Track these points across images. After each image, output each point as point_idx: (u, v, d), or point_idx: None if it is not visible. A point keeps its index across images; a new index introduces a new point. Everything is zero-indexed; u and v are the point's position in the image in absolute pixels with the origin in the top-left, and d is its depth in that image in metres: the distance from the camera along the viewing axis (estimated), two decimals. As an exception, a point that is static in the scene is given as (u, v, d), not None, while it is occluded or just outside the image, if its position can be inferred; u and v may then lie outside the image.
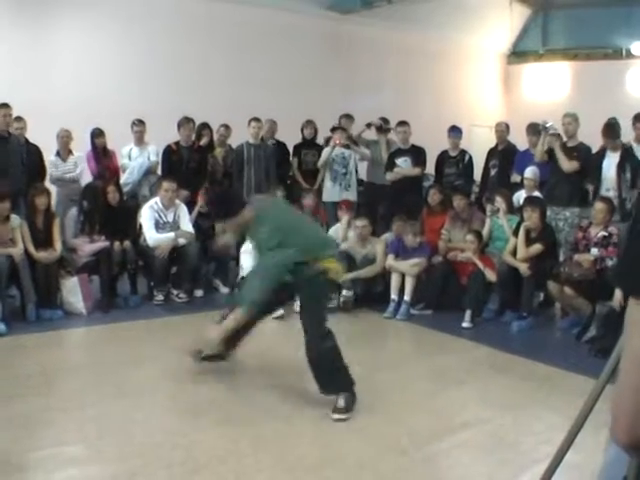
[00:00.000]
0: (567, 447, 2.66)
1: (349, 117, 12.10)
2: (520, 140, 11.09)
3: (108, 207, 9.44)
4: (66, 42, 12.02)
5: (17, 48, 11.48)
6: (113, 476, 4.50)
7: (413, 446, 5.05)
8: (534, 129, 10.42)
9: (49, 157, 10.38)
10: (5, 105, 9.51)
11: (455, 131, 11.62)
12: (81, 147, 10.73)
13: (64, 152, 10.56)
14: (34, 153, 10.00)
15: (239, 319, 5.66)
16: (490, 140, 12.20)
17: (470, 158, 11.54)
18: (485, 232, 9.48)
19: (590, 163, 9.40)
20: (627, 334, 1.60)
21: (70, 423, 5.37)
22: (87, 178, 10.60)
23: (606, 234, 8.26)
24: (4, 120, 9.52)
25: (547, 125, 9.78)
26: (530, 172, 9.81)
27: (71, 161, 10.60)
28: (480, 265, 8.83)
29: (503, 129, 11.69)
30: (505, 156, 11.26)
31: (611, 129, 9.28)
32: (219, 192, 6.26)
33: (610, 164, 9.21)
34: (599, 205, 8.43)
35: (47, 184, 9.86)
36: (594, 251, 8.25)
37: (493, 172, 11.39)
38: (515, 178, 10.66)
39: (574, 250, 8.58)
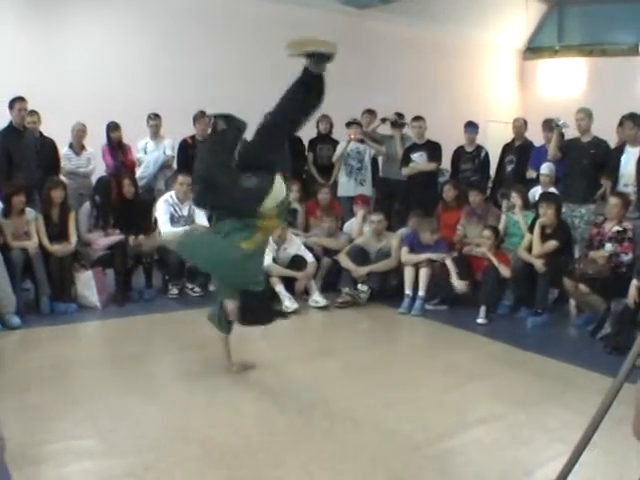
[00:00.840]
0: (584, 445, 2.65)
1: (371, 112, 12.09)
2: (536, 136, 11.04)
3: (123, 201, 9.48)
4: (81, 37, 12.02)
5: (32, 43, 11.49)
6: (127, 470, 4.50)
7: (426, 442, 5.04)
8: (549, 125, 10.38)
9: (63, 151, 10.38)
10: (20, 99, 9.51)
11: (471, 126, 11.59)
12: (96, 141, 10.74)
13: (77, 146, 10.59)
14: (49, 147, 10.01)
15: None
16: (505, 136, 12.17)
17: (486, 154, 11.51)
18: (501, 228, 9.45)
19: (608, 158, 9.32)
20: None
21: (84, 416, 5.37)
22: (100, 172, 10.60)
23: (620, 229, 8.22)
24: (19, 114, 9.53)
25: (559, 122, 9.74)
26: (546, 168, 9.77)
27: (84, 156, 10.63)
28: (494, 261, 8.80)
29: (521, 125, 11.61)
30: (522, 152, 11.21)
31: (637, 118, 9.18)
32: None
33: (629, 159, 9.09)
34: (613, 200, 8.39)
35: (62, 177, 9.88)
36: (608, 246, 8.21)
37: (509, 168, 11.33)
38: (531, 174, 10.61)
39: (589, 247, 8.54)
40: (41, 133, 10.02)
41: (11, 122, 9.59)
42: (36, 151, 9.73)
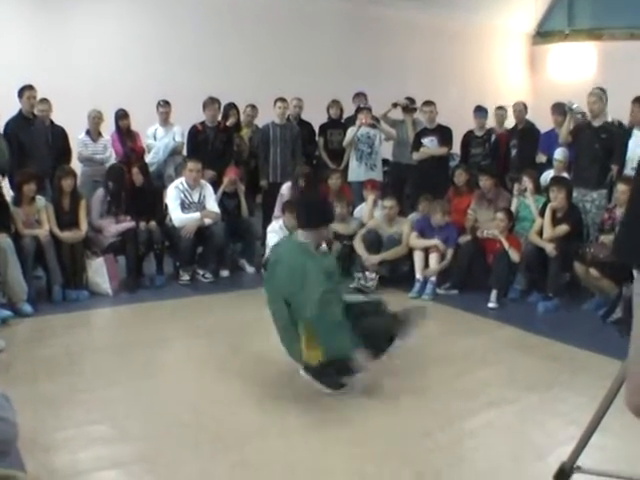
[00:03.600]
0: (593, 429, 2.66)
1: (359, 95, 12.22)
2: (547, 120, 11.00)
3: (133, 188, 9.50)
4: (89, 25, 11.99)
5: (41, 31, 11.49)
6: (139, 455, 4.53)
7: (438, 427, 5.06)
8: (559, 109, 10.35)
9: (75, 139, 10.38)
10: (29, 87, 9.54)
11: (481, 111, 11.59)
12: (105, 129, 10.77)
13: (94, 132, 10.61)
14: (59, 135, 10.03)
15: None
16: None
17: (496, 138, 11.49)
18: (512, 212, 9.45)
19: (617, 143, 9.28)
20: (636, 307, 1.59)
21: (96, 403, 5.40)
22: (112, 160, 10.62)
23: (632, 214, 8.18)
24: (28, 102, 9.55)
25: (573, 107, 9.70)
26: (560, 153, 9.72)
27: (101, 143, 10.65)
28: (505, 244, 8.78)
29: (521, 109, 11.67)
30: (523, 136, 11.26)
31: None
32: (310, 198, 5.91)
33: (637, 143, 9.07)
34: (622, 187, 8.33)
35: (74, 164, 9.89)
36: (618, 230, 8.18)
37: (514, 152, 11.35)
38: (540, 158, 10.58)
39: (600, 231, 8.53)
40: (52, 121, 10.02)
41: (21, 110, 9.60)
42: (47, 139, 9.76)
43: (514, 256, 8.72)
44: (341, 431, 4.97)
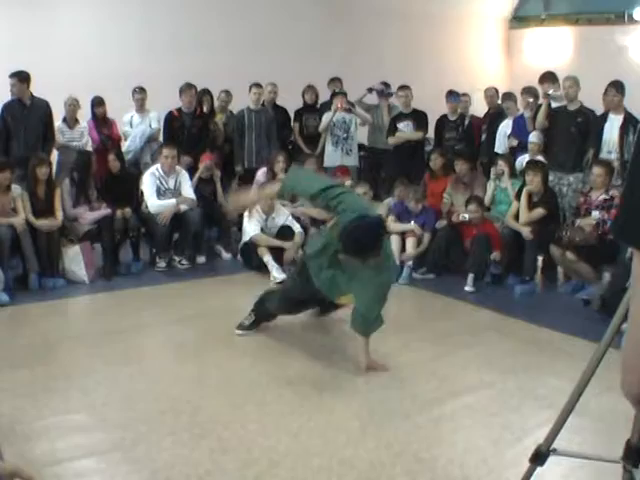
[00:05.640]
0: (569, 411, 2.67)
1: (334, 81, 12.23)
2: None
3: (109, 175, 9.47)
4: (65, 11, 11.90)
5: (15, 17, 11.39)
6: (118, 443, 4.53)
7: (416, 410, 5.09)
8: (530, 92, 10.38)
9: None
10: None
11: (453, 95, 11.63)
12: (82, 116, 10.68)
13: (71, 120, 10.51)
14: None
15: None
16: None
17: (470, 122, 11.55)
18: (488, 196, 9.49)
19: (592, 127, 9.34)
20: (634, 289, 1.57)
21: (74, 391, 5.39)
22: (89, 147, 10.56)
23: (607, 197, 8.24)
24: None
25: (549, 92, 9.75)
26: (535, 136, 9.75)
27: (78, 130, 10.54)
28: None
29: (493, 94, 11.87)
30: (493, 121, 11.34)
31: (620, 85, 9.22)
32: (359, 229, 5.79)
33: (612, 126, 9.15)
34: (597, 170, 8.39)
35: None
36: (595, 214, 8.23)
37: (483, 137, 11.46)
38: (512, 142, 10.59)
39: (576, 215, 8.57)
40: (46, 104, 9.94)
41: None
42: (42, 123, 9.69)
43: (495, 256, 8.76)
44: (319, 415, 4.99)
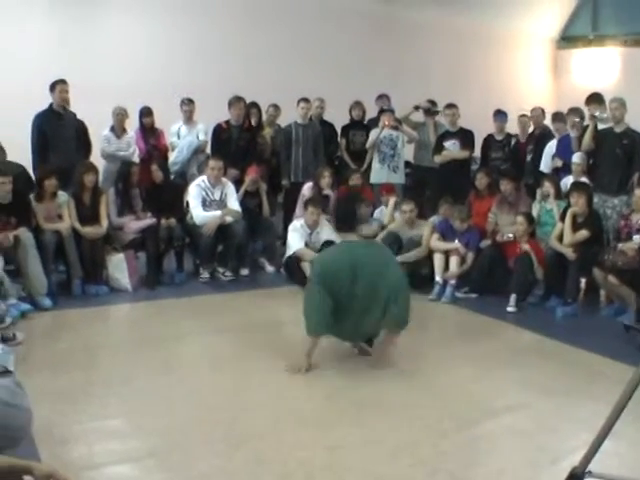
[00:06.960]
0: (605, 434, 2.66)
1: (382, 97, 12.29)
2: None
3: (152, 185, 9.56)
4: (115, 21, 12.01)
5: (64, 26, 11.47)
6: (153, 450, 4.57)
7: (454, 429, 5.06)
8: (576, 112, 10.31)
9: (97, 135, 10.36)
10: (62, 81, 9.53)
11: (500, 115, 11.66)
12: (129, 126, 10.77)
13: (119, 129, 10.59)
14: (84, 129, 10.01)
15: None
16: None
17: (516, 142, 11.52)
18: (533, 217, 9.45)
19: (638, 149, 9.24)
20: None
21: (112, 397, 5.44)
22: (135, 157, 10.64)
23: (648, 220, 8.19)
24: (60, 95, 9.55)
25: (596, 114, 9.68)
26: (578, 157, 9.69)
27: (125, 139, 10.62)
28: (525, 246, 8.76)
29: (539, 114, 11.77)
30: (539, 141, 11.27)
31: None
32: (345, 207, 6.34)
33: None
34: (638, 192, 8.35)
35: (94, 160, 9.89)
36: (636, 238, 8.14)
37: (529, 157, 11.39)
38: (556, 163, 10.54)
39: (617, 238, 8.50)
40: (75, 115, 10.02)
41: (51, 105, 9.61)
42: (76, 134, 9.76)
43: (538, 273, 8.72)
44: (356, 430, 4.97)
